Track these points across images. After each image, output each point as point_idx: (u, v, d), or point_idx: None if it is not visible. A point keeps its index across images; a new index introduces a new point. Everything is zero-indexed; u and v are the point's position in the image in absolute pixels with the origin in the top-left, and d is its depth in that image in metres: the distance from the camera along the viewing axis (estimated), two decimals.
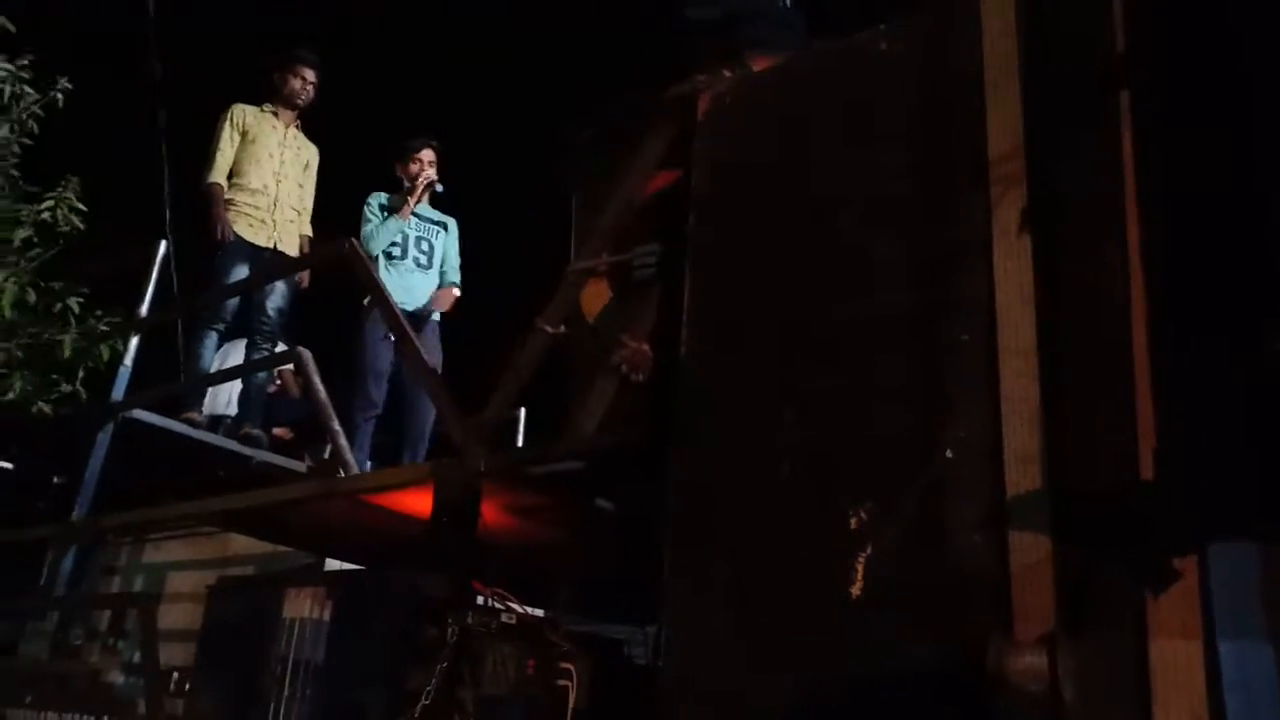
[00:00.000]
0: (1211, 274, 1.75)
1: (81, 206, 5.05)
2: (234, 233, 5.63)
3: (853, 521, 1.95)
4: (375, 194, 5.80)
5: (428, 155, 5.83)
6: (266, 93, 6.04)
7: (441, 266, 5.90)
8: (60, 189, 5.00)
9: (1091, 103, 1.96)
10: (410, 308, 5.51)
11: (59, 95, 5.11)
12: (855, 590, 1.90)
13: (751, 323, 2.36)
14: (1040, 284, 1.88)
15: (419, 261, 5.76)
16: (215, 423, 5.96)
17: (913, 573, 1.87)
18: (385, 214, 5.69)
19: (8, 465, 6.19)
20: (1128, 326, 1.76)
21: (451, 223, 6.02)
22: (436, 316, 5.81)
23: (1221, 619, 1.58)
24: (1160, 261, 1.78)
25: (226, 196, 5.70)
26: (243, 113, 5.89)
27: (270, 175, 5.82)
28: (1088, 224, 1.89)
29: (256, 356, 5.71)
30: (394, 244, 5.69)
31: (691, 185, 2.62)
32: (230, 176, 5.76)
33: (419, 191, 5.71)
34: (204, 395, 5.87)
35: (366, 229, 5.63)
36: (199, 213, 5.81)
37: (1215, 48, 1.88)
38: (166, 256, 5.54)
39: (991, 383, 1.87)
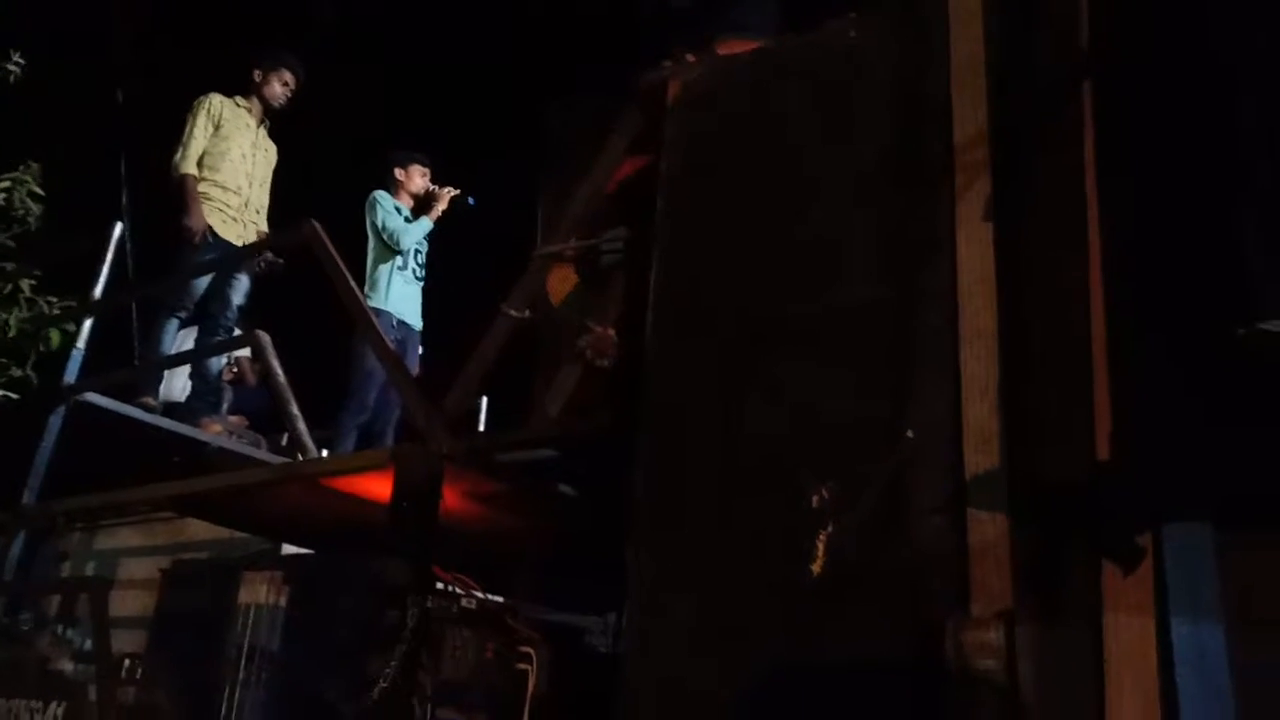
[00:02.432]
0: (1169, 260, 1.79)
1: (40, 191, 4.96)
2: (209, 227, 5.49)
3: (814, 500, 1.96)
4: (380, 192, 5.84)
5: (426, 171, 5.96)
6: (241, 85, 5.89)
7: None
8: (20, 170, 4.91)
9: (1057, 92, 1.99)
10: (406, 318, 5.69)
11: (13, 70, 5.03)
12: (815, 568, 1.91)
13: (717, 307, 2.37)
14: (1002, 270, 1.91)
15: (415, 274, 5.88)
16: (171, 409, 5.86)
17: (873, 552, 1.89)
18: (398, 212, 5.77)
19: None
20: (1086, 312, 1.80)
21: None
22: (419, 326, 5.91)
23: (1175, 598, 1.62)
24: (1119, 248, 1.81)
25: (200, 189, 5.56)
26: (220, 105, 5.73)
27: (243, 177, 5.73)
28: (1050, 211, 1.92)
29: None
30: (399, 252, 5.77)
31: (660, 171, 2.63)
32: (201, 168, 5.62)
33: (444, 199, 5.82)
34: (160, 381, 5.78)
35: (393, 222, 5.69)
36: (168, 199, 5.65)
37: (1180, 40, 1.92)
38: (122, 239, 5.43)
39: (954, 367, 1.89)
